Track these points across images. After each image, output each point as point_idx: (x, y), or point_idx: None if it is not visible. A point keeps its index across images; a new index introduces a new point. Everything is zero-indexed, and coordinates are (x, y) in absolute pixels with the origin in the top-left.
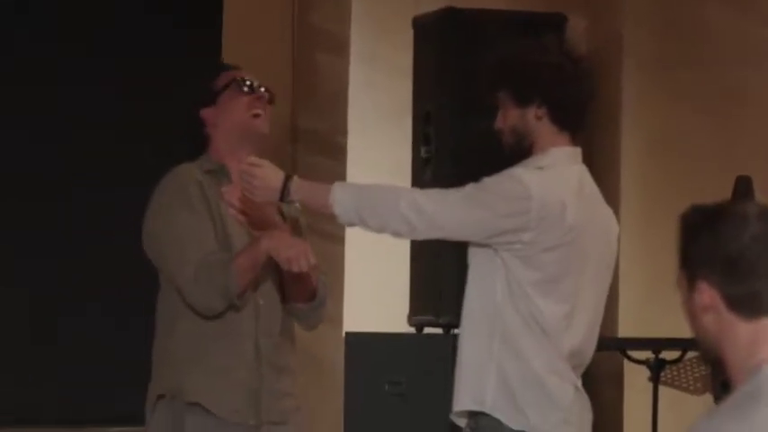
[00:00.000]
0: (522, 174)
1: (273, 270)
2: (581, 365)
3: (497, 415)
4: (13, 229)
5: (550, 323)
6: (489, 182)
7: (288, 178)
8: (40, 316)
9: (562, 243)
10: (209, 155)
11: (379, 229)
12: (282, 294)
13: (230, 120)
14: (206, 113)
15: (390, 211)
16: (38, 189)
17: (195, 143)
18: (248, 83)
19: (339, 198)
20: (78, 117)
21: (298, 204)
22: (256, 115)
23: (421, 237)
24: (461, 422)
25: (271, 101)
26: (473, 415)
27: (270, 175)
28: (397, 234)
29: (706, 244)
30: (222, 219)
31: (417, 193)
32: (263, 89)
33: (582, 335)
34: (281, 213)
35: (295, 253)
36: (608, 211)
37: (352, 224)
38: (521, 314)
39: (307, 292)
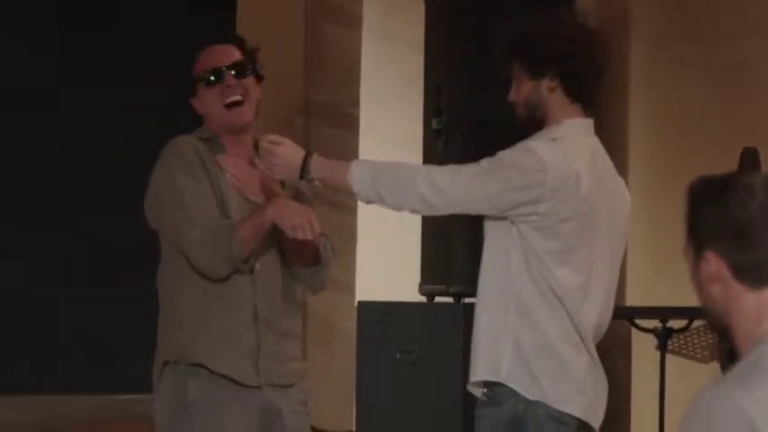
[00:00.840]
0: (536, 146)
1: (272, 236)
2: (597, 336)
3: (513, 385)
4: (13, 200)
5: (567, 293)
6: (504, 155)
7: (308, 156)
8: (41, 286)
9: (578, 213)
10: (204, 127)
11: (398, 207)
12: (283, 260)
13: (208, 113)
14: (193, 102)
15: (407, 190)
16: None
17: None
18: (208, 77)
19: (357, 177)
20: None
21: (318, 183)
22: (233, 104)
23: (439, 212)
24: (477, 392)
25: (240, 74)
26: (489, 385)
27: (290, 153)
28: (414, 211)
29: (713, 214)
30: (220, 187)
31: (434, 170)
32: (230, 70)
33: (598, 305)
34: (282, 182)
35: (300, 221)
36: (620, 181)
37: (370, 202)
38: (537, 285)
39: (308, 256)
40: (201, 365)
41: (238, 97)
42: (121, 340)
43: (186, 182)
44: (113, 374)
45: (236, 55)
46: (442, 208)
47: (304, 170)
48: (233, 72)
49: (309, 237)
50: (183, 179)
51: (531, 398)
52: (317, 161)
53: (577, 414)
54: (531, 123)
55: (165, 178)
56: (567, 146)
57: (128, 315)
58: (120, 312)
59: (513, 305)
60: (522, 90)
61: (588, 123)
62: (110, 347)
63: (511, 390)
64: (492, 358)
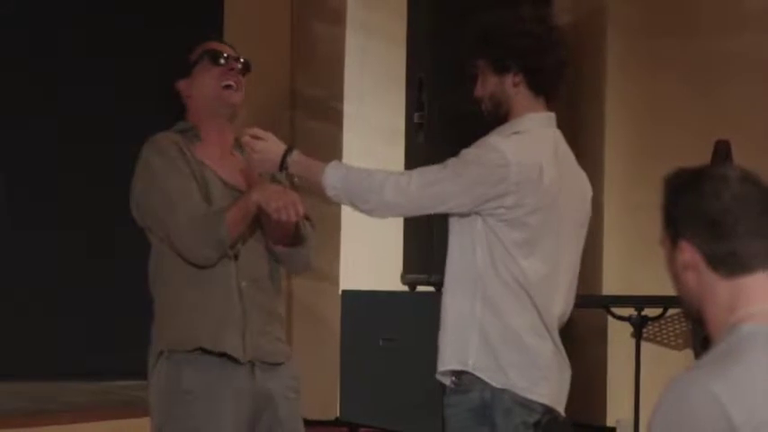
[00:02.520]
0: (497, 142)
1: (253, 219)
2: (560, 324)
3: (480, 374)
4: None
5: (533, 284)
6: (466, 153)
7: (287, 152)
8: (41, 271)
9: (543, 205)
10: (185, 121)
11: (370, 213)
12: (266, 242)
13: (202, 91)
14: (181, 85)
15: (378, 196)
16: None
17: (173, 112)
18: (221, 54)
19: (330, 182)
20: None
21: (297, 179)
22: (227, 86)
23: (413, 215)
24: (446, 380)
25: (245, 70)
26: (457, 374)
27: (270, 147)
28: (385, 216)
29: (688, 204)
30: (204, 178)
31: (402, 176)
32: (236, 59)
33: (562, 294)
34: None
35: (284, 203)
36: (582, 173)
37: (345, 205)
38: (501, 278)
39: (288, 237)
40: (200, 349)
41: (233, 83)
42: (116, 326)
43: (169, 176)
44: (107, 360)
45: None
46: (415, 211)
47: (283, 165)
48: (239, 62)
49: (294, 218)
50: (165, 174)
51: (498, 386)
52: (295, 158)
53: (544, 401)
54: (496, 117)
55: (148, 175)
56: (530, 138)
57: (122, 300)
58: (114, 297)
59: (479, 296)
60: (487, 85)
61: (550, 116)
62: (104, 333)
63: (478, 378)
64: (459, 348)
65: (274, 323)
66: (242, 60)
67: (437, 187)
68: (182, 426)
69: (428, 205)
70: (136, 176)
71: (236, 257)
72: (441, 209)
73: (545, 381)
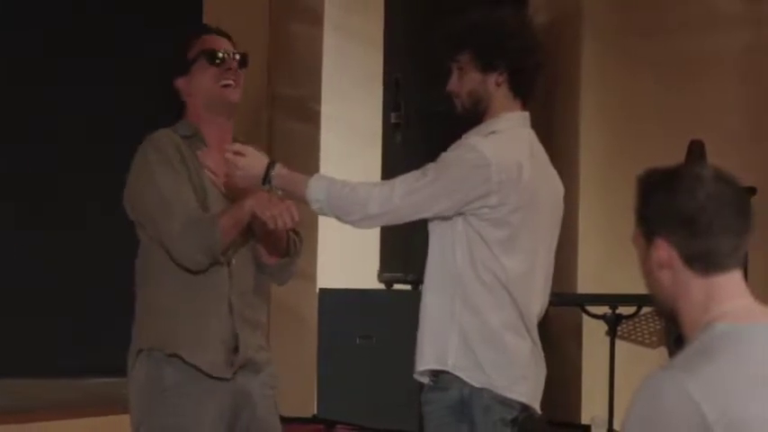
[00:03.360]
0: (476, 142)
1: (247, 230)
2: (537, 321)
3: (459, 373)
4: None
5: (513, 281)
6: (446, 157)
7: (270, 166)
8: (15, 269)
9: (522, 203)
10: (185, 120)
11: (355, 225)
12: (255, 253)
13: (201, 89)
14: (179, 83)
15: (363, 211)
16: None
17: (173, 110)
18: (216, 55)
19: (314, 195)
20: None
21: (280, 192)
22: (226, 85)
23: (398, 224)
24: (424, 379)
25: (243, 64)
26: (436, 372)
27: (253, 163)
28: (373, 227)
29: (663, 203)
30: (201, 183)
31: (385, 187)
32: (233, 55)
33: (539, 291)
34: None
35: (279, 211)
36: (554, 172)
37: (329, 217)
38: (481, 278)
39: (279, 250)
40: (177, 356)
41: (232, 82)
42: (96, 323)
43: (165, 176)
44: (87, 358)
45: (232, 47)
46: (401, 219)
47: (266, 180)
48: (237, 59)
49: (289, 225)
50: (162, 174)
51: (478, 385)
52: (278, 172)
53: (522, 399)
54: (472, 115)
55: (145, 173)
56: (507, 138)
57: (102, 299)
58: (95, 296)
59: (459, 296)
60: (467, 82)
61: (525, 116)
62: (84, 331)
63: (457, 377)
64: (439, 348)
65: (258, 333)
66: (238, 56)
67: (419, 195)
68: (161, 422)
69: (412, 213)
70: (132, 172)
71: (230, 270)
72: (426, 215)
73: (524, 379)
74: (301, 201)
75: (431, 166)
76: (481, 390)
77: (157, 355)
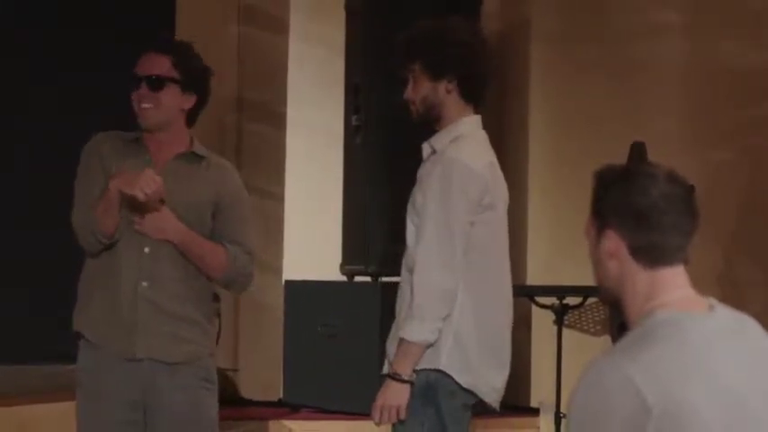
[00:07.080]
0: (451, 153)
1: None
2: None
3: (451, 372)
4: None
5: (491, 278)
6: (438, 191)
7: None
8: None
9: (495, 200)
10: (141, 130)
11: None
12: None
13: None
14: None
15: (435, 313)
16: None
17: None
18: (133, 80)
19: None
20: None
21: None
22: (142, 107)
23: (458, 282)
24: (412, 377)
25: (155, 87)
26: (426, 372)
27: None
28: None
29: (618, 197)
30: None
31: (421, 275)
32: (140, 80)
33: (508, 285)
34: (162, 200)
35: (142, 182)
36: (501, 174)
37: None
38: (465, 281)
39: (210, 269)
40: (82, 336)
41: (146, 105)
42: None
43: (80, 178)
44: (63, 344)
45: (161, 66)
46: (456, 284)
47: None
48: (146, 83)
49: (153, 188)
50: (79, 176)
51: (466, 386)
52: None
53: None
54: (426, 120)
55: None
56: (473, 141)
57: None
58: (68, 281)
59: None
60: (420, 89)
61: (479, 119)
62: (58, 316)
63: (449, 377)
64: (432, 349)
65: (182, 325)
66: (148, 81)
67: (442, 255)
68: (79, 401)
69: (453, 265)
70: None
71: (140, 257)
72: (461, 252)
73: (503, 376)
74: None
75: (428, 217)
76: (446, 375)
77: (80, 337)
